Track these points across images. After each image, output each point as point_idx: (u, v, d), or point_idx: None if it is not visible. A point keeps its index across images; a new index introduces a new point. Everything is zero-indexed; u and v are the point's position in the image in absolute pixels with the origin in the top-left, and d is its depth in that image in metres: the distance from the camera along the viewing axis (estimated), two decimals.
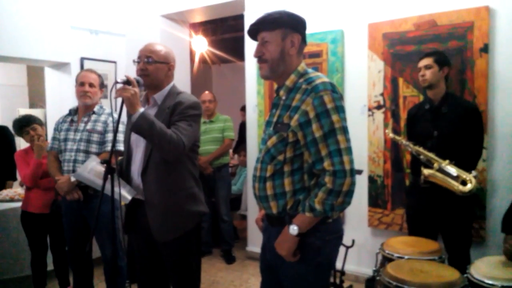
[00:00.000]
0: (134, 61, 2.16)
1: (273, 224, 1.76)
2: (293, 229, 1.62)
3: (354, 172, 1.60)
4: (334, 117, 1.60)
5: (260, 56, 1.75)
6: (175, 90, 2.20)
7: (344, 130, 1.62)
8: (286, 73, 1.74)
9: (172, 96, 2.16)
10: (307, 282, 1.70)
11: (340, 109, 1.62)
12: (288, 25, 1.71)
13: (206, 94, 4.56)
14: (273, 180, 1.70)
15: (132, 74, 2.14)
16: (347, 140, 1.62)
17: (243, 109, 5.36)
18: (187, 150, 2.09)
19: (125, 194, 2.11)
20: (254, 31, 1.78)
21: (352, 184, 1.59)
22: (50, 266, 3.49)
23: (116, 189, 1.94)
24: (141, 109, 1.94)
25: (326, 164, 1.59)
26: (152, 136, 1.96)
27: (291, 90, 1.71)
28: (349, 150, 1.61)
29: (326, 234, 1.68)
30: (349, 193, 1.59)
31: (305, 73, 1.73)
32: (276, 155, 1.68)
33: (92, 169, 2.29)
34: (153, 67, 2.12)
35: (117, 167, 2.20)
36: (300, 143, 1.65)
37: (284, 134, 1.66)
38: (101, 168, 2.55)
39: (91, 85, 2.92)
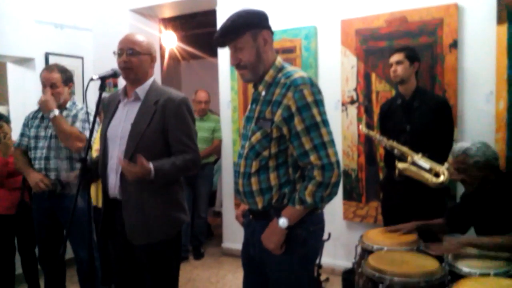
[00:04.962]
0: (114, 53, 2.06)
1: (257, 219, 1.75)
2: (283, 222, 1.63)
3: (339, 163, 1.63)
4: (315, 111, 1.61)
5: (238, 63, 1.72)
6: (156, 84, 2.13)
7: (325, 123, 1.64)
8: (265, 70, 1.73)
9: (155, 90, 2.08)
10: (293, 274, 1.71)
11: (319, 103, 1.64)
12: (253, 25, 1.69)
13: (202, 95, 4.38)
14: (258, 176, 1.69)
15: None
16: (329, 133, 1.64)
17: None
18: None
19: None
20: (222, 42, 1.74)
21: (339, 175, 1.62)
22: (19, 270, 3.35)
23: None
24: (152, 171, 1.90)
25: (313, 158, 1.60)
26: (177, 177, 2.09)
27: (271, 85, 1.71)
28: (332, 142, 1.63)
29: (311, 225, 1.70)
30: (336, 184, 1.62)
31: (282, 68, 1.73)
32: (261, 151, 1.68)
33: None
34: (137, 59, 2.03)
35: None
36: (285, 138, 1.65)
37: (267, 129, 1.66)
38: None
39: (52, 86, 2.75)
